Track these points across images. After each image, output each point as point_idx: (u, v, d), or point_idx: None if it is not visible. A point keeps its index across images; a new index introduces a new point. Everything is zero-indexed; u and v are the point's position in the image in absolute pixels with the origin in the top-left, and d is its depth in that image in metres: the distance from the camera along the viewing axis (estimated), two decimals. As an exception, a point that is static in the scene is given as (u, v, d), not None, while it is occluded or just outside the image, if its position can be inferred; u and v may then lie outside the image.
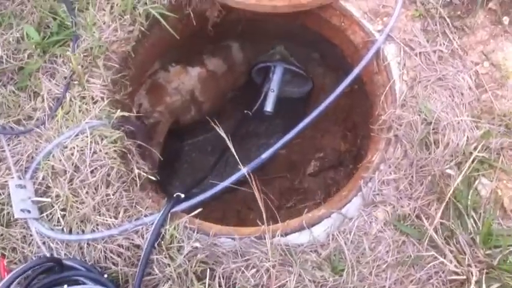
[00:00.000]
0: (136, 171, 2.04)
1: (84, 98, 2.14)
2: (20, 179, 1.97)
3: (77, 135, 2.05)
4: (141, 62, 2.40)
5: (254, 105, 3.07)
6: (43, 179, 1.99)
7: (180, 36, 2.47)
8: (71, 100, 2.13)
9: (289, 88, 3.31)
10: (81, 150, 2.02)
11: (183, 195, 2.01)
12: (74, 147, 2.03)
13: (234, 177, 2.09)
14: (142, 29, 2.30)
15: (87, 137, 2.03)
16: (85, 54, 2.20)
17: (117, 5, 2.29)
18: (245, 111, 3.05)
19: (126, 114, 2.16)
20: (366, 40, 2.32)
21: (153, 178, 2.07)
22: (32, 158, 2.03)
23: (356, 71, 2.23)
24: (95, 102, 2.14)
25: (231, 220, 2.85)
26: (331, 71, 3.05)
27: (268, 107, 3.05)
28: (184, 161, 3.26)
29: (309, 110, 3.16)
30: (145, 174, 2.07)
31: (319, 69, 3.08)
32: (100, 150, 2.03)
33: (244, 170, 2.07)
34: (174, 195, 2.01)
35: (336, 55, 2.84)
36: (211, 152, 3.28)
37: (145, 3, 2.30)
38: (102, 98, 2.14)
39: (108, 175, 2.00)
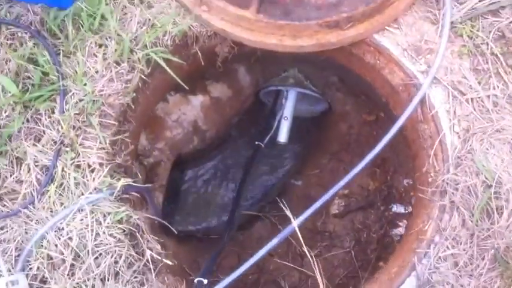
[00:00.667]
0: (148, 253, 1.73)
1: (79, 166, 1.80)
2: (10, 272, 1.65)
3: (74, 214, 1.72)
4: (142, 112, 2.05)
5: (264, 132, 2.73)
6: (38, 269, 1.67)
7: (185, 75, 2.13)
8: (63, 170, 1.78)
9: (301, 106, 2.97)
10: (81, 234, 1.71)
11: (205, 281, 1.71)
12: (72, 230, 1.70)
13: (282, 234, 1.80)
14: (143, 76, 1.94)
15: (86, 216, 1.71)
16: (76, 112, 1.84)
17: (111, 48, 1.92)
18: (256, 143, 2.72)
19: (131, 182, 1.83)
20: (406, 83, 2.00)
21: (170, 262, 1.76)
22: (22, 244, 1.70)
23: (400, 122, 1.91)
24: (92, 171, 1.80)
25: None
26: (351, 96, 2.73)
27: (282, 137, 2.71)
28: (186, 193, 2.93)
29: (323, 135, 2.92)
30: (158, 257, 1.76)
31: (339, 95, 2.75)
32: (104, 232, 1.72)
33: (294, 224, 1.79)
34: (195, 281, 1.72)
35: (361, 83, 2.52)
36: (216, 181, 2.95)
37: (145, 46, 1.93)
38: (101, 165, 1.81)
39: (116, 263, 1.69)
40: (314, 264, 1.74)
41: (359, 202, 2.65)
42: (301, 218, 1.84)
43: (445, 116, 1.92)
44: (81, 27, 1.92)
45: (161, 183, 2.54)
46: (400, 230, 2.45)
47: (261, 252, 1.80)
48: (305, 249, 1.87)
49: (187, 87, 1.97)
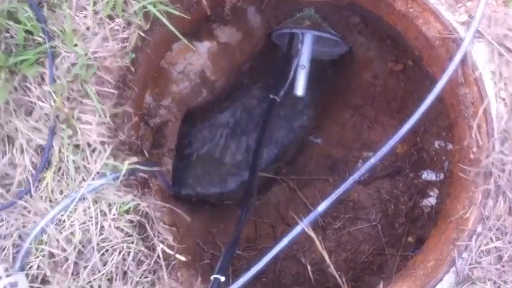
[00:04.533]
0: (159, 248, 1.63)
1: (77, 146, 1.66)
2: (8, 272, 1.56)
3: (75, 204, 1.60)
4: (143, 74, 1.88)
5: (280, 88, 2.54)
6: (38, 268, 1.58)
7: (188, 26, 1.94)
8: (60, 152, 1.64)
9: (318, 47, 2.76)
10: (84, 227, 1.60)
11: (222, 278, 1.62)
12: (74, 223, 1.59)
13: (289, 237, 1.68)
14: (142, 34, 1.75)
15: (89, 207, 1.59)
16: (69, 80, 1.67)
17: (102, 0, 1.72)
18: (271, 96, 2.54)
19: (135, 160, 1.68)
20: (445, 37, 1.80)
21: (183, 258, 1.66)
22: (20, 240, 1.59)
23: (439, 87, 1.73)
24: (93, 151, 1.66)
25: (265, 240, 2.47)
26: (375, 41, 2.51)
27: (299, 89, 2.53)
28: (197, 151, 2.79)
29: (345, 85, 2.71)
30: (171, 252, 1.66)
31: (361, 39, 2.53)
32: (110, 226, 1.61)
33: (303, 225, 1.67)
34: (212, 278, 1.62)
35: (390, 31, 2.30)
36: (229, 136, 2.80)
37: (142, -4, 1.73)
38: (103, 144, 1.66)
39: (124, 260, 1.59)
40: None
41: (386, 168, 2.49)
42: (311, 216, 1.67)
43: (489, 79, 1.72)
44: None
45: (170, 147, 2.40)
46: (431, 201, 2.32)
47: (273, 252, 1.65)
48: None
49: (190, 45, 1.77)
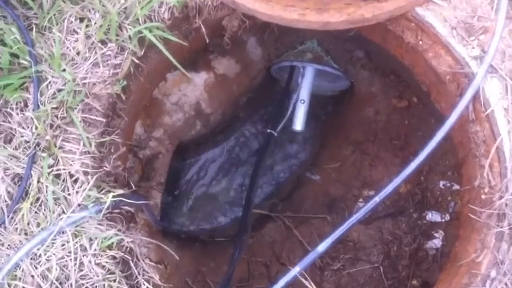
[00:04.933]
0: (144, 287, 1.50)
1: (58, 176, 1.54)
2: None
3: (53, 238, 1.47)
4: (135, 104, 1.78)
5: (278, 122, 2.45)
6: (11, 308, 1.44)
7: (185, 54, 1.86)
8: (39, 182, 1.53)
9: (318, 82, 2.69)
10: (62, 263, 1.47)
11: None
12: (51, 257, 1.47)
13: (285, 279, 1.56)
14: (135, 60, 1.66)
15: (68, 241, 1.47)
16: (54, 106, 1.57)
17: (95, 23, 1.63)
18: (268, 131, 2.45)
19: (121, 192, 1.57)
20: (456, 71, 1.71)
21: None
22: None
23: (449, 124, 1.63)
24: (74, 182, 1.55)
25: (259, 280, 2.33)
26: (379, 75, 2.44)
27: (298, 124, 2.44)
28: (188, 186, 2.68)
29: (345, 121, 2.63)
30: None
31: (364, 73, 2.46)
32: (90, 261, 1.48)
33: (295, 271, 1.56)
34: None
35: (395, 64, 2.23)
36: (222, 171, 2.70)
37: (137, 21, 1.64)
38: (86, 174, 1.55)
39: (105, 301, 1.45)
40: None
41: (388, 207, 2.38)
42: (307, 260, 1.56)
43: (502, 116, 1.63)
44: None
45: (159, 180, 2.29)
46: (436, 243, 2.20)
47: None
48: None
49: (186, 73, 1.68)
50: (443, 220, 2.24)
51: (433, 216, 2.27)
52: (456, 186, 2.24)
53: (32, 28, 1.63)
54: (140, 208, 1.80)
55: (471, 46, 1.73)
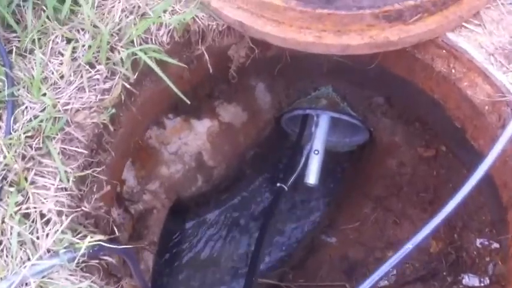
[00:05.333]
0: None
1: (27, 216, 1.29)
2: None
3: (15, 290, 1.20)
4: (125, 138, 1.56)
5: (289, 175, 2.23)
6: None
7: (186, 88, 1.66)
8: (3, 222, 1.27)
9: (335, 138, 2.48)
10: (22, 322, 1.19)
11: None
12: (9, 314, 1.18)
13: None
14: (127, 85, 1.46)
15: (31, 294, 1.19)
16: (28, 134, 1.35)
17: (83, 46, 1.45)
18: (278, 185, 2.21)
19: (103, 238, 1.30)
20: (495, 100, 1.50)
21: None
22: None
23: (492, 156, 1.40)
24: (46, 223, 1.29)
25: None
26: (401, 123, 2.23)
27: (312, 178, 2.21)
28: (186, 251, 2.40)
29: (365, 175, 2.41)
30: None
31: (385, 121, 2.25)
32: (55, 322, 1.19)
33: None
34: None
35: (419, 103, 2.03)
36: (225, 236, 2.44)
37: (131, 43, 1.46)
38: (60, 215, 1.30)
39: None
40: None
41: (417, 270, 2.08)
42: None
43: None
44: (43, 16, 1.47)
45: (152, 239, 2.02)
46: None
47: None
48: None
49: (188, 101, 1.46)
50: (481, 284, 1.94)
51: (470, 280, 1.97)
52: (495, 245, 1.97)
53: (12, 50, 1.45)
54: (129, 272, 1.52)
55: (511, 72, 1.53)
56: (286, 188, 2.21)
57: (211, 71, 1.62)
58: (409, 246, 1.40)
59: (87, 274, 1.27)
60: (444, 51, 1.58)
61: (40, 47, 1.46)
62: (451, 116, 1.69)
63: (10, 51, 1.46)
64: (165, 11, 1.51)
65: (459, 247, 2.03)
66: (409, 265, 2.10)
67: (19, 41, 1.48)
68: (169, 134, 2.12)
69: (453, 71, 1.58)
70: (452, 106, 1.66)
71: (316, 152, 2.23)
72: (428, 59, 1.61)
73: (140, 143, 2.07)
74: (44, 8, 1.48)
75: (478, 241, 2.01)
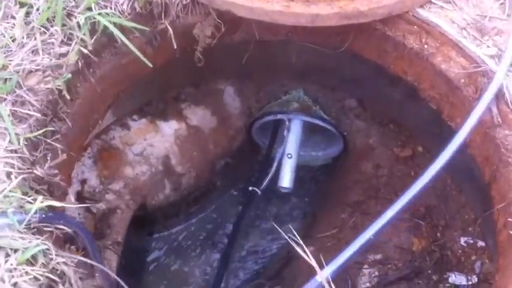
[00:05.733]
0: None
1: (-30, 177, 1.18)
2: None
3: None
4: (83, 111, 1.47)
5: (262, 179, 2.14)
6: None
7: (150, 70, 1.59)
8: None
9: (308, 152, 2.43)
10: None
11: None
12: None
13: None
14: (85, 51, 1.39)
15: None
16: (-25, 94, 1.26)
17: (37, 10, 1.39)
18: (251, 188, 2.12)
19: (56, 203, 1.20)
20: (471, 71, 1.46)
21: None
22: None
23: (469, 125, 1.35)
24: (-7, 183, 1.18)
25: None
26: (376, 125, 2.18)
27: (285, 181, 2.14)
28: (153, 267, 2.26)
29: (340, 182, 2.34)
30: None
31: (359, 124, 2.20)
32: (3, 280, 1.07)
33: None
34: None
35: (391, 100, 1.99)
36: (196, 250, 2.32)
37: (89, 9, 1.40)
38: (9, 175, 1.20)
39: None
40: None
41: (400, 270, 1.97)
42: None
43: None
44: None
45: (116, 238, 1.90)
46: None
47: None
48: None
49: (150, 65, 1.40)
50: (469, 283, 1.84)
51: (457, 278, 1.87)
52: (481, 243, 1.88)
53: (-39, 16, 1.39)
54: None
55: (486, 45, 1.51)
56: (259, 192, 2.12)
57: (175, 46, 1.56)
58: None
59: (39, 236, 1.15)
60: (415, 26, 1.56)
61: (-8, 11, 1.40)
62: (426, 97, 1.65)
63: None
64: (126, -19, 1.47)
65: (443, 245, 1.94)
66: (392, 265, 1.99)
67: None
68: (133, 135, 2.03)
69: (426, 46, 1.55)
70: (426, 86, 1.62)
71: (289, 155, 2.17)
72: (399, 36, 1.58)
73: (104, 143, 1.98)
74: (-2, -27, 1.43)
75: (463, 239, 1.93)
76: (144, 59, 1.41)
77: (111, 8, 1.44)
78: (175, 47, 1.56)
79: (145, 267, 2.29)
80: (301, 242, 1.25)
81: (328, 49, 1.72)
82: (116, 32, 1.39)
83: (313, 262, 1.20)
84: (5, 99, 1.29)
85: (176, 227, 2.34)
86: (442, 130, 1.67)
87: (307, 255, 1.18)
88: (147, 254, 2.30)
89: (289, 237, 1.34)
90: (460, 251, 1.90)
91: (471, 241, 1.90)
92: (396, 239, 2.03)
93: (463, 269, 1.87)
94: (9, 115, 1.27)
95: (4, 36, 1.36)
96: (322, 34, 1.67)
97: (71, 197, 1.40)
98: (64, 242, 1.28)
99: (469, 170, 1.80)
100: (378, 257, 2.02)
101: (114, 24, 1.40)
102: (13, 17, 1.39)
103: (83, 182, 1.92)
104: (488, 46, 1.50)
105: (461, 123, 1.53)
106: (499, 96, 1.41)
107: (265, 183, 2.13)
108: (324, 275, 1.24)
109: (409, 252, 1.99)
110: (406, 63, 1.63)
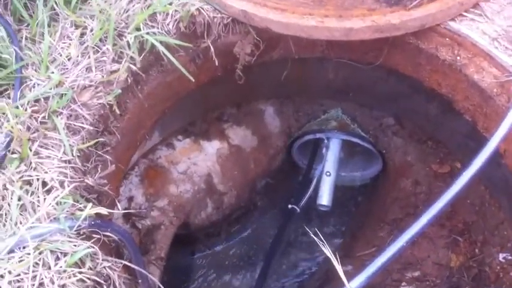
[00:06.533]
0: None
1: (29, 183, 1.29)
2: None
3: (12, 251, 1.18)
4: (131, 126, 1.58)
5: (301, 197, 2.20)
6: None
7: (193, 86, 1.70)
8: (5, 188, 1.27)
9: (347, 172, 2.48)
10: (19, 280, 1.15)
11: None
12: (6, 274, 1.15)
13: None
14: (134, 68, 1.51)
15: (29, 254, 1.16)
16: (34, 107, 1.38)
17: (91, 31, 1.52)
18: (290, 206, 2.19)
19: (104, 211, 1.29)
20: (503, 81, 1.51)
21: None
22: None
23: (501, 132, 1.38)
24: (47, 192, 1.28)
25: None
26: (414, 142, 2.22)
27: (324, 199, 2.19)
28: (194, 285, 2.33)
29: (377, 199, 2.37)
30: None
31: (397, 141, 2.25)
32: (52, 282, 1.15)
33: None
34: None
35: (428, 116, 2.04)
36: (237, 270, 2.38)
37: (138, 29, 1.52)
38: (62, 184, 1.30)
39: None
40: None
41: (438, 286, 1.98)
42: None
43: None
44: (55, 6, 1.55)
45: (159, 254, 1.98)
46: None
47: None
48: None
49: (192, 79, 1.50)
50: (510, 299, 1.83)
51: (496, 295, 1.87)
52: (521, 260, 1.88)
53: (23, 37, 1.53)
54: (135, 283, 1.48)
55: (517, 55, 1.55)
56: (298, 210, 2.18)
57: (217, 65, 1.66)
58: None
59: (87, 242, 1.24)
60: (447, 39, 1.61)
61: (50, 35, 1.54)
62: (460, 109, 1.69)
63: (20, 40, 1.54)
64: (170, 4, 1.59)
65: (481, 261, 1.94)
66: (429, 282, 1.99)
67: (30, 29, 1.56)
68: (178, 154, 2.14)
69: (458, 57, 1.61)
70: (460, 97, 1.67)
71: (328, 173, 2.22)
72: (432, 48, 1.64)
73: (150, 162, 2.09)
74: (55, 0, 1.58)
75: (501, 255, 1.92)
76: (188, 74, 1.52)
77: (157, 28, 1.56)
78: (216, 64, 1.67)
79: (186, 286, 2.36)
80: (333, 257, 1.27)
81: (363, 64, 1.80)
82: (162, 49, 1.50)
83: (340, 272, 1.23)
84: (61, 113, 1.41)
85: (218, 246, 2.41)
86: (479, 143, 1.70)
87: (339, 266, 1.22)
88: (189, 272, 2.37)
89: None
90: (498, 267, 1.90)
91: (510, 257, 1.89)
92: (434, 255, 2.04)
93: (501, 285, 1.86)
94: (64, 128, 1.39)
95: (61, 55, 1.49)
96: (357, 50, 1.75)
97: (119, 207, 1.48)
98: (110, 251, 1.37)
99: (507, 183, 1.82)
100: (416, 274, 2.04)
101: (161, 42, 1.52)
102: (69, 38, 1.53)
103: (130, 199, 2.02)
104: (520, 56, 1.56)
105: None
106: (533, 103, 1.46)
107: (303, 200, 2.18)
108: (353, 285, 1.26)
109: (447, 269, 2.00)
110: (440, 76, 1.69)
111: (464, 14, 1.62)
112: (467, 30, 1.59)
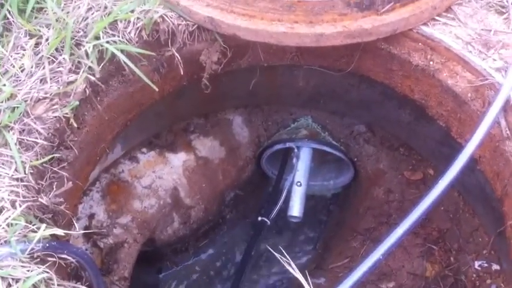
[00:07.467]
0: None
1: (-23, 205, 1.19)
2: None
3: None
4: (90, 138, 1.49)
5: (271, 208, 2.14)
6: None
7: (156, 96, 1.63)
8: (-51, 211, 1.18)
9: (318, 181, 2.43)
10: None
11: None
12: None
13: None
14: (93, 78, 1.42)
15: (-24, 283, 1.08)
16: (-17, 124, 1.28)
17: (46, 40, 1.42)
18: (260, 219, 2.12)
19: (60, 232, 1.20)
20: (478, 85, 1.48)
21: None
22: None
23: (476, 139, 1.35)
24: (-2, 212, 1.19)
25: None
26: (386, 149, 2.19)
27: (295, 210, 2.14)
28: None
29: (349, 213, 2.33)
30: None
31: (368, 148, 2.21)
32: (1, 311, 1.06)
33: None
34: None
35: (400, 122, 2.00)
36: (209, 286, 2.30)
37: (97, 38, 1.43)
38: (13, 204, 1.20)
39: None
40: None
41: (415, 296, 1.95)
42: None
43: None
44: (8, 15, 1.46)
45: (122, 274, 1.88)
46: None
47: None
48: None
49: (156, 89, 1.42)
50: (485, 307, 1.81)
51: (473, 304, 1.84)
52: (496, 266, 1.85)
53: (-29, 48, 1.43)
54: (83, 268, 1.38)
55: (491, 58, 1.53)
56: (268, 222, 2.12)
57: (182, 73, 1.59)
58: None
59: (41, 266, 1.15)
60: (420, 43, 1.58)
61: (2, 45, 1.44)
62: (434, 115, 1.65)
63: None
64: (132, 11, 1.51)
65: (457, 270, 1.91)
66: (406, 292, 1.96)
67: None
68: (142, 167, 2.05)
69: (431, 62, 1.57)
70: (434, 103, 1.63)
71: (298, 183, 2.17)
72: (404, 53, 1.60)
73: (112, 176, 2.00)
74: (9, 8, 1.48)
75: (477, 263, 1.90)
76: (151, 84, 1.44)
77: (118, 36, 1.48)
78: (182, 73, 1.59)
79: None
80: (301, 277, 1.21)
81: (334, 71, 1.75)
82: (123, 58, 1.42)
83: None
84: (12, 127, 1.32)
85: (184, 262, 2.32)
86: (452, 150, 1.67)
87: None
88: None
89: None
90: (474, 275, 1.88)
91: (486, 264, 1.87)
92: (409, 265, 2.01)
93: (478, 293, 1.85)
94: (15, 143, 1.29)
95: (13, 67, 1.39)
96: (328, 56, 1.70)
97: (76, 227, 1.39)
98: (68, 275, 1.28)
99: (481, 189, 1.79)
100: (391, 285, 2.00)
101: (122, 51, 1.44)
102: (23, 48, 1.43)
103: (91, 216, 1.93)
104: (494, 59, 1.52)
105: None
106: (507, 108, 1.42)
107: (274, 212, 2.12)
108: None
109: (422, 279, 1.96)
110: (412, 82, 1.65)
111: (437, 18, 1.59)
112: (440, 34, 1.56)
